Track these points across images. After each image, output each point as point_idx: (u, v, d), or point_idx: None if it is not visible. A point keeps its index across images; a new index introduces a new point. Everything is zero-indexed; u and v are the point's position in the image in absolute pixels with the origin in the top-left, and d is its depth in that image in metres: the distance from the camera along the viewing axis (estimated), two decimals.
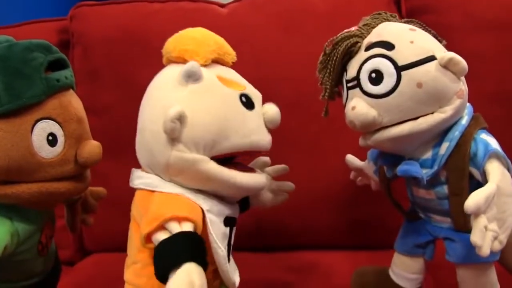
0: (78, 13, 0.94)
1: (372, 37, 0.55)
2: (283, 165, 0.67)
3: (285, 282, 0.76)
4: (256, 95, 0.57)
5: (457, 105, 0.52)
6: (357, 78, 0.54)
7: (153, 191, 0.52)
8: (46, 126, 0.52)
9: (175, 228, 0.46)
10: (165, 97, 0.53)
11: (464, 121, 0.54)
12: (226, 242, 0.53)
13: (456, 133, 0.53)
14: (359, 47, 0.55)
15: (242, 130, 0.52)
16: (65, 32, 0.96)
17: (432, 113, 0.52)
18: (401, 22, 0.58)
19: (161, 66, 0.57)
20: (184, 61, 0.53)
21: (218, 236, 0.51)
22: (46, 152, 0.52)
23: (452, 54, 0.51)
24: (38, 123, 0.52)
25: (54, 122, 0.53)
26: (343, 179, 0.77)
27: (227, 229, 0.53)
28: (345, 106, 0.57)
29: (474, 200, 0.46)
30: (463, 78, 0.54)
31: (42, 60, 0.53)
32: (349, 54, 0.56)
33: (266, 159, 0.66)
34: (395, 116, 0.52)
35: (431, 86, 0.51)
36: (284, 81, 0.85)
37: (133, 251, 0.54)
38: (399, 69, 0.51)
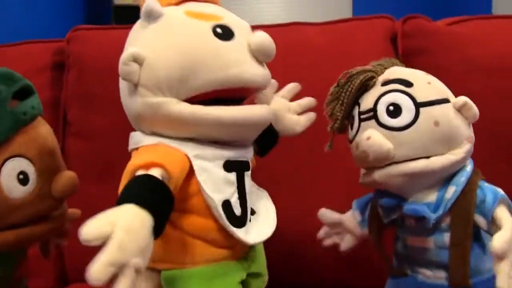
0: (75, 36, 0.94)
1: (387, 75, 0.56)
2: (293, 84, 0.63)
3: None
4: (238, 25, 0.49)
5: (467, 149, 0.52)
6: (373, 109, 0.54)
7: (138, 148, 0.48)
8: (15, 164, 0.49)
9: None
10: (127, 45, 0.49)
11: (469, 168, 0.54)
12: (232, 190, 0.47)
13: (462, 178, 0.53)
14: (375, 82, 0.56)
15: (215, 63, 0.45)
16: (61, 54, 0.96)
17: (442, 154, 0.52)
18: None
19: None
20: None
21: (216, 183, 0.46)
22: (18, 192, 0.49)
23: (466, 99, 0.52)
24: (6, 162, 0.49)
25: (23, 158, 0.50)
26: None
27: (231, 174, 0.47)
28: (352, 139, 0.56)
29: (500, 241, 0.46)
30: (470, 125, 0.54)
31: (6, 94, 0.50)
32: (364, 87, 0.56)
33: (272, 82, 0.58)
34: (408, 152, 0.52)
35: (447, 127, 0.51)
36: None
37: None
38: (418, 105, 0.52)
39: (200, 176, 0.45)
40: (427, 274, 0.56)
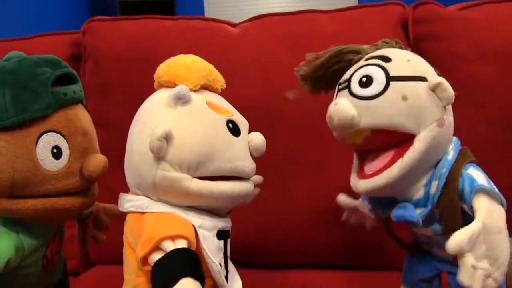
0: (91, 27, 0.96)
1: (375, 52, 0.57)
2: (258, 177, 0.67)
3: None
4: (243, 122, 0.58)
5: (434, 133, 0.51)
6: (348, 80, 0.55)
7: (143, 213, 0.53)
8: (51, 138, 0.53)
9: (170, 246, 0.47)
10: (153, 118, 0.54)
11: (451, 156, 0.53)
12: (221, 255, 0.53)
13: (443, 170, 0.52)
14: (360, 58, 0.57)
15: (227, 155, 0.53)
16: (77, 46, 0.97)
17: (413, 138, 0.52)
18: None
19: None
20: (174, 86, 0.54)
21: (212, 251, 0.51)
22: (50, 164, 0.52)
23: (441, 79, 0.52)
24: (43, 135, 0.52)
25: (58, 134, 0.53)
26: None
27: (221, 242, 0.54)
28: None
29: (455, 240, 0.46)
30: (450, 108, 0.54)
31: (50, 75, 0.53)
32: (349, 62, 0.58)
33: None
34: (372, 120, 0.52)
35: (414, 103, 0.51)
36: (292, 101, 0.86)
37: (132, 276, 0.53)
38: (389, 78, 0.53)
39: (203, 243, 0.51)
40: (438, 251, 0.58)
